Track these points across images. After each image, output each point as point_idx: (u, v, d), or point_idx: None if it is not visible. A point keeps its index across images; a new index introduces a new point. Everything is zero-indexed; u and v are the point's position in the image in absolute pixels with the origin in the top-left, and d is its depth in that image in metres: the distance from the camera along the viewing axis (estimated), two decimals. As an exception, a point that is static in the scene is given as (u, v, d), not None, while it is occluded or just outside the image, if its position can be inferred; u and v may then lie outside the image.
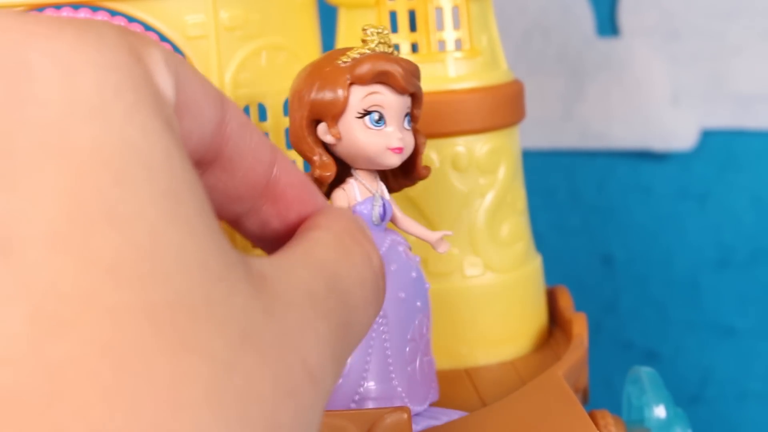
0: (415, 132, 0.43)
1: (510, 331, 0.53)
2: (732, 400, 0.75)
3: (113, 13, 0.46)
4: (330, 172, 0.41)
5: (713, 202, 0.74)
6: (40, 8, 0.45)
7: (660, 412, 0.47)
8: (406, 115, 0.42)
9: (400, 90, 0.41)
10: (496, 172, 0.52)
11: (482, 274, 0.52)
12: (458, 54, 0.52)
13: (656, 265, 0.75)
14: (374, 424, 0.39)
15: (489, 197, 0.52)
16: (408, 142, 0.42)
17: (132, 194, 0.21)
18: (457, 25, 0.52)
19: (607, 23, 0.73)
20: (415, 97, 0.42)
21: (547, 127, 0.74)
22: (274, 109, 0.49)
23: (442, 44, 0.52)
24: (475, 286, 0.52)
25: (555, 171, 0.75)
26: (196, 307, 0.20)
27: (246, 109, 0.48)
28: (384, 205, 0.43)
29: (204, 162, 0.28)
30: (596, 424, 0.44)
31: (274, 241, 0.30)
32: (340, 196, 0.42)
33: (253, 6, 0.48)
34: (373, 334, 0.42)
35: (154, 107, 0.22)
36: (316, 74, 0.41)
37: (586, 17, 0.73)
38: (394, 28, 0.52)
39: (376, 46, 0.41)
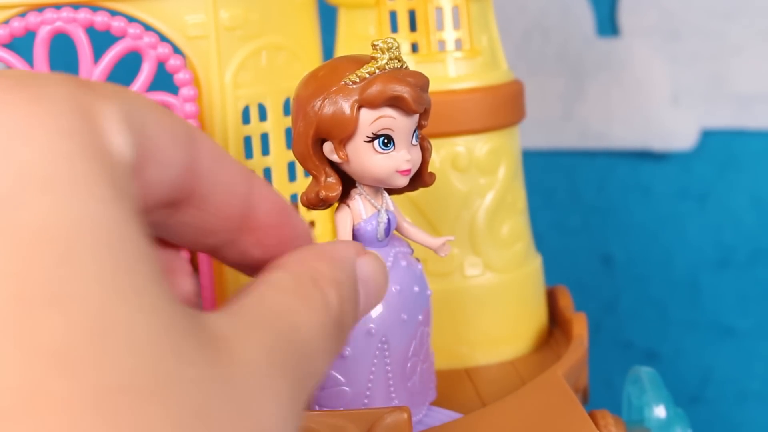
0: (422, 141, 0.42)
1: (510, 331, 0.53)
2: (732, 400, 0.75)
3: (113, 13, 0.45)
4: (335, 193, 0.40)
5: (713, 202, 0.74)
6: (40, 8, 0.45)
7: (660, 412, 0.47)
8: (415, 130, 0.41)
9: (410, 112, 0.40)
10: (496, 172, 0.52)
11: (482, 274, 0.52)
12: (458, 54, 0.52)
13: (656, 265, 0.75)
14: (374, 424, 0.39)
15: (489, 197, 0.52)
16: (416, 160, 0.41)
17: (78, 273, 0.20)
18: (457, 25, 0.52)
19: (607, 23, 0.73)
20: (424, 110, 0.41)
21: (547, 127, 0.74)
22: (274, 109, 0.49)
23: (442, 44, 0.52)
24: (475, 286, 0.52)
25: (555, 171, 0.75)
26: (145, 388, 0.20)
27: (246, 109, 0.48)
28: (389, 220, 0.42)
29: (175, 202, 0.27)
30: (596, 424, 0.44)
31: (255, 268, 0.29)
32: (344, 213, 0.41)
33: (253, 6, 0.48)
34: (375, 360, 0.41)
35: (105, 175, 0.22)
36: (322, 90, 0.40)
37: (586, 17, 0.73)
38: (394, 28, 0.52)
39: (386, 63, 0.40)
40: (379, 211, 0.42)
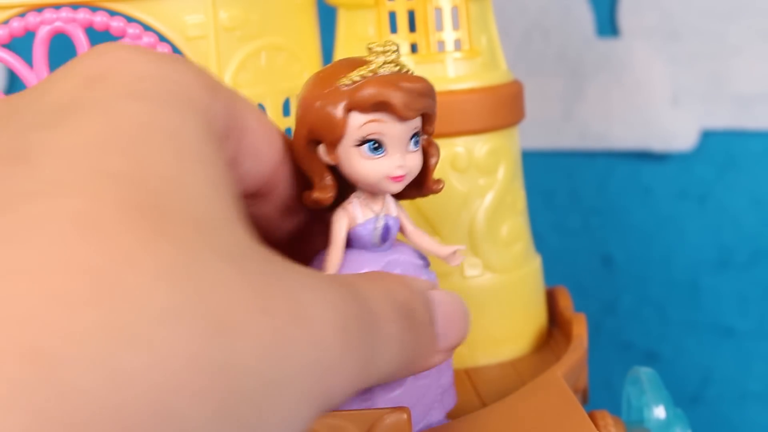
0: (427, 146, 0.41)
1: (510, 332, 0.53)
2: (732, 400, 0.75)
3: (112, 13, 0.46)
4: (329, 195, 0.39)
5: (713, 202, 0.74)
6: (39, 8, 0.45)
7: (660, 412, 0.47)
8: (414, 135, 0.40)
9: (401, 118, 0.39)
10: (495, 173, 0.52)
11: (482, 275, 0.52)
12: (458, 54, 0.52)
13: (656, 266, 0.75)
14: (374, 425, 0.39)
15: (488, 198, 0.52)
16: (412, 165, 0.40)
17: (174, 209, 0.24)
18: (456, 26, 0.52)
19: (607, 24, 0.73)
20: (426, 116, 0.40)
21: (547, 128, 0.74)
22: (274, 109, 0.49)
23: (441, 45, 0.52)
24: (474, 286, 0.52)
25: (555, 171, 0.75)
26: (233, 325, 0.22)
27: (245, 110, 0.48)
28: (387, 225, 0.41)
29: (258, 194, 0.31)
30: (596, 424, 0.44)
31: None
32: (340, 216, 0.40)
33: (252, 6, 0.48)
34: None
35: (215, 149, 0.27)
36: (318, 90, 0.39)
37: (585, 18, 0.73)
38: (394, 29, 0.52)
39: (380, 67, 0.39)
40: (377, 216, 0.41)
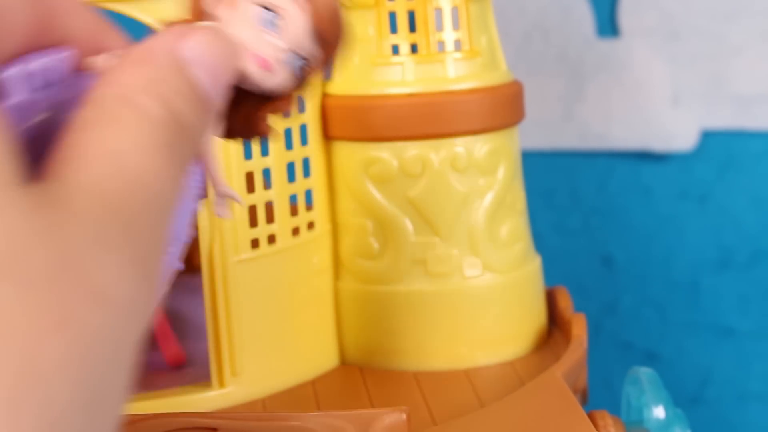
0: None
1: (509, 332, 0.53)
2: (732, 400, 0.75)
3: (112, 13, 0.45)
4: None
5: (713, 202, 0.74)
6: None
7: (659, 412, 0.47)
8: None
9: None
10: (495, 173, 0.52)
11: (481, 275, 0.52)
12: (458, 55, 0.52)
13: (656, 266, 0.75)
14: (372, 425, 0.39)
15: (488, 198, 0.52)
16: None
17: None
18: (456, 26, 0.52)
19: (607, 24, 0.73)
20: None
21: (547, 128, 0.74)
22: (274, 110, 0.49)
23: (441, 45, 0.52)
24: (474, 286, 0.52)
25: (555, 172, 0.75)
26: None
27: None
28: None
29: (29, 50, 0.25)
30: (595, 424, 0.44)
31: None
32: None
33: (252, 6, 0.48)
34: None
35: None
36: None
37: (586, 18, 0.73)
38: (394, 29, 0.52)
39: None
40: None
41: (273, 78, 0.33)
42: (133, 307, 0.22)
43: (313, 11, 0.34)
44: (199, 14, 0.33)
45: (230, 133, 0.34)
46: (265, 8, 0.33)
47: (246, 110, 0.33)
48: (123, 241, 0.22)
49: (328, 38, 0.35)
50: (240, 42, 0.32)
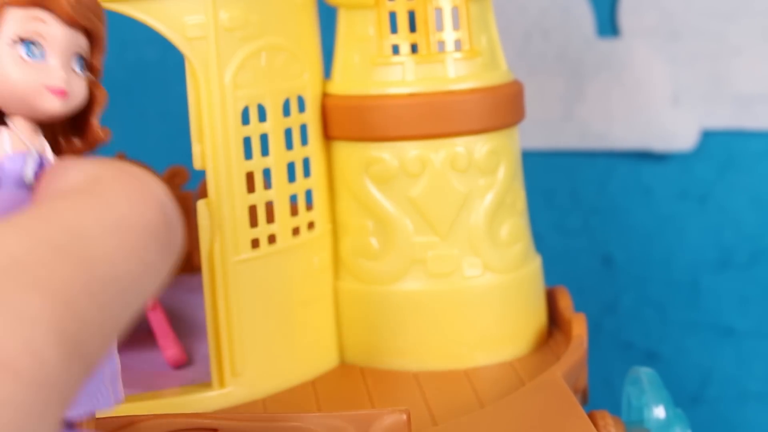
0: (93, 85, 0.36)
1: (509, 332, 0.53)
2: (732, 400, 0.75)
3: (112, 13, 0.45)
4: None
5: (713, 202, 0.74)
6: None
7: (659, 412, 0.47)
8: (79, 57, 0.35)
9: (67, 20, 0.34)
10: (495, 173, 0.52)
11: (482, 275, 0.52)
12: (458, 55, 0.52)
13: (656, 266, 0.75)
14: (372, 425, 0.39)
15: (488, 198, 0.52)
16: (76, 88, 0.34)
17: None
18: (456, 26, 0.52)
19: (607, 24, 0.73)
20: (94, 39, 0.35)
21: (547, 128, 0.74)
22: (274, 110, 0.49)
23: (441, 45, 0.52)
24: (474, 286, 0.52)
25: (555, 171, 0.75)
26: None
27: (245, 110, 0.48)
28: (42, 164, 0.35)
29: None
30: (596, 424, 0.44)
31: None
32: None
33: (252, 6, 0.48)
34: None
35: None
36: None
37: (586, 18, 0.73)
38: (394, 29, 0.52)
39: None
40: (29, 150, 0.35)
41: (74, 96, 0.34)
42: (59, 377, 0.21)
43: (58, 9, 0.34)
44: None
45: (75, 153, 0.36)
46: (22, 40, 0.34)
47: (74, 130, 0.35)
48: (50, 309, 0.22)
49: (93, 31, 0.35)
50: (28, 81, 0.33)
